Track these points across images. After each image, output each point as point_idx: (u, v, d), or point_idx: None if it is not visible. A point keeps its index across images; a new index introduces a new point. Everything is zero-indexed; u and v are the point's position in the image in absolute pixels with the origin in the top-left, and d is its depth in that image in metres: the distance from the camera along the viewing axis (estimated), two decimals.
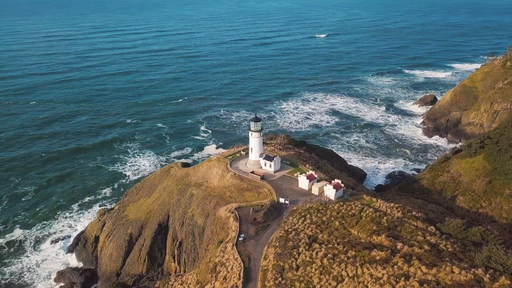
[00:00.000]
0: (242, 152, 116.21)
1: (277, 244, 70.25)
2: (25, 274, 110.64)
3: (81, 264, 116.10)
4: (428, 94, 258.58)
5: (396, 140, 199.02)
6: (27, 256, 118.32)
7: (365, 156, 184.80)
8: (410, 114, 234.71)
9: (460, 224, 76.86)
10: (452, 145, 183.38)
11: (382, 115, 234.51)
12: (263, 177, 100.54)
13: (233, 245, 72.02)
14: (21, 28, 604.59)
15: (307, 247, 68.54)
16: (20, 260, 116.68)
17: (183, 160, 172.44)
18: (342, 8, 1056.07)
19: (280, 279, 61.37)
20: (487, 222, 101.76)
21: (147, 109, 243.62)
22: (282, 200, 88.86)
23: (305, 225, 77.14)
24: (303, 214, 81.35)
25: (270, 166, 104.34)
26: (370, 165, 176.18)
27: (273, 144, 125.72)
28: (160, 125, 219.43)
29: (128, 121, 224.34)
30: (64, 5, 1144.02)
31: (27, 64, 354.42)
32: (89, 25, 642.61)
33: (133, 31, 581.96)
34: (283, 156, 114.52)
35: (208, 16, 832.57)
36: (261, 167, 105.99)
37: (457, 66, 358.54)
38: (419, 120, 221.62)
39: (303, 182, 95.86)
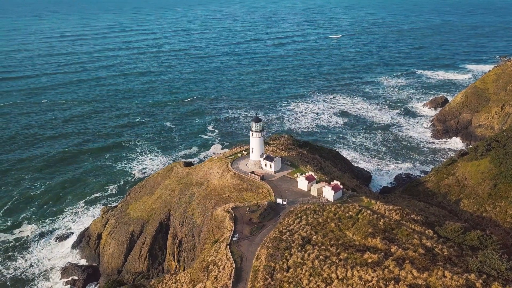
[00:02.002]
0: (243, 152, 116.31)
1: (270, 244, 70.13)
2: (29, 269, 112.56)
3: (84, 261, 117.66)
4: (439, 95, 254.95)
5: (404, 142, 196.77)
6: (32, 252, 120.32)
7: (372, 157, 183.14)
8: (420, 116, 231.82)
9: (458, 228, 75.67)
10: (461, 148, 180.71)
11: (391, 117, 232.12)
12: (262, 178, 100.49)
13: (226, 245, 72.16)
14: (37, 27, 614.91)
15: (300, 249, 68.26)
16: (25, 255, 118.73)
17: (190, 160, 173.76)
18: (357, 8, 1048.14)
19: (270, 280, 61.26)
20: (490, 226, 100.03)
21: (157, 108, 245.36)
22: (279, 200, 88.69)
23: (300, 226, 76.85)
24: (299, 215, 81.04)
25: (271, 167, 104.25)
26: (377, 167, 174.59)
27: (275, 145, 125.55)
28: (168, 124, 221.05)
29: (137, 120, 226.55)
30: (80, 5, 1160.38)
31: (42, 63, 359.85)
32: (104, 25, 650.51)
33: (146, 31, 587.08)
34: (285, 157, 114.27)
35: (221, 16, 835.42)
36: (261, 168, 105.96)
37: (472, 67, 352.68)
38: (428, 122, 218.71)
39: (302, 183, 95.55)
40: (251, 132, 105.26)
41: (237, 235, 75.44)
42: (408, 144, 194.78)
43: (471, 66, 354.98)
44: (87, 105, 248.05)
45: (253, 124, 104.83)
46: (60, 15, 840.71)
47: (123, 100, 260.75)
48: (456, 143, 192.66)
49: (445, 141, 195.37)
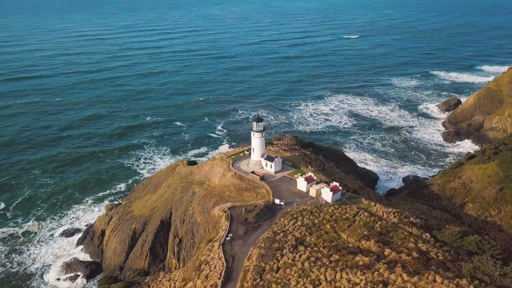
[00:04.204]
0: (245, 152, 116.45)
1: (263, 245, 70.08)
2: (34, 264, 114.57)
3: (88, 257, 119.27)
4: (451, 97, 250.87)
5: (414, 144, 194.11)
6: (39, 246, 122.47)
7: (381, 159, 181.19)
8: (431, 118, 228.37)
9: (455, 232, 74.38)
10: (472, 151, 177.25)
11: (402, 118, 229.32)
12: (262, 178, 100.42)
13: (219, 245, 72.38)
14: (55, 27, 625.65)
15: (292, 249, 68.07)
16: (31, 249, 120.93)
17: (198, 159, 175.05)
18: (373, 8, 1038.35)
19: (258, 280, 61.25)
20: (494, 231, 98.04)
21: (168, 108, 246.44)
22: (277, 201, 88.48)
23: (295, 227, 76.59)
24: (295, 216, 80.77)
25: (271, 167, 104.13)
26: (385, 169, 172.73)
27: (279, 145, 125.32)
28: (178, 123, 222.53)
29: (148, 119, 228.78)
30: (98, 4, 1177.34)
31: (58, 63, 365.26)
32: (119, 25, 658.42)
33: (161, 31, 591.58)
34: (287, 157, 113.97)
35: (236, 16, 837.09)
36: (262, 168, 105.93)
37: (489, 68, 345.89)
38: (440, 124, 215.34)
39: (301, 184, 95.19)
40: (252, 132, 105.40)
41: (230, 235, 75.62)
42: (418, 146, 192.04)
43: (488, 68, 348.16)
44: (100, 105, 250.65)
45: (254, 124, 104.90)
46: (77, 14, 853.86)
47: (135, 100, 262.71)
48: (467, 145, 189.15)
49: (456, 144, 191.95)
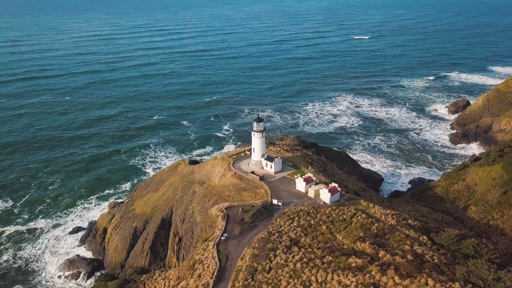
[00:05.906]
0: (247, 152, 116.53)
1: (257, 245, 70.09)
2: (37, 261, 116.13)
3: (90, 254, 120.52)
4: (460, 98, 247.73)
5: (420, 145, 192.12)
6: (42, 243, 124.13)
7: (387, 160, 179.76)
8: (439, 119, 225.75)
9: (453, 236, 73.45)
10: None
11: (409, 119, 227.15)
12: (262, 178, 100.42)
13: (214, 244, 72.56)
14: (67, 26, 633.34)
15: (285, 250, 67.97)
16: (34, 246, 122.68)
17: (204, 158, 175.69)
18: (385, 8, 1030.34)
19: (250, 280, 61.28)
20: (496, 235, 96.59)
21: (176, 108, 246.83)
22: (275, 201, 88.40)
23: (291, 227, 76.44)
24: (292, 216, 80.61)
25: (271, 167, 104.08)
26: (390, 170, 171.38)
27: (280, 145, 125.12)
28: (185, 123, 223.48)
29: (155, 117, 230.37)
30: (111, 4, 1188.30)
31: (68, 63, 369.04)
32: (131, 25, 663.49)
33: (172, 30, 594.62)
34: (288, 158, 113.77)
35: (246, 16, 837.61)
36: (262, 168, 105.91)
37: (501, 70, 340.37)
38: (448, 126, 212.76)
39: (300, 184, 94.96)
40: (252, 132, 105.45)
41: (225, 235, 75.78)
42: (425, 148, 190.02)
43: (500, 69, 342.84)
44: (108, 105, 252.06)
45: (254, 124, 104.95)
46: (90, 14, 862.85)
47: (142, 100, 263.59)
48: (475, 148, 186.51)
49: (463, 146, 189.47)
